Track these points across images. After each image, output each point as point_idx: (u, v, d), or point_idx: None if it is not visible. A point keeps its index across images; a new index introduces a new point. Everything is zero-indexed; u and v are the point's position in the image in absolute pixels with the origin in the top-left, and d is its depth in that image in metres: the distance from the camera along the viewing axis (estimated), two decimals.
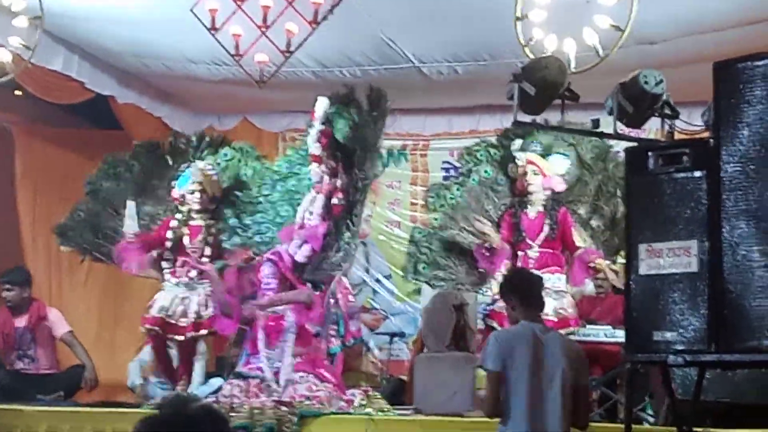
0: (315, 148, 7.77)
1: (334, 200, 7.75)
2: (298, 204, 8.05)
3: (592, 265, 7.68)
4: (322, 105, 7.84)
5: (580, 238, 7.81)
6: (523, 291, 5.51)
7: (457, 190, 8.15)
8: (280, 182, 8.27)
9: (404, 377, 9.60)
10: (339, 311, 7.77)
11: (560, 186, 7.86)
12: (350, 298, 7.99)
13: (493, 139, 8.45)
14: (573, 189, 8.02)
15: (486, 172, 8.12)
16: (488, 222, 7.88)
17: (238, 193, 8.38)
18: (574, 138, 7.97)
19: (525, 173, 7.85)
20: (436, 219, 8.16)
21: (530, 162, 7.86)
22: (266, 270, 7.53)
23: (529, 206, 7.86)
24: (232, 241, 8.22)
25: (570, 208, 7.93)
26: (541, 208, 7.82)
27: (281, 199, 8.21)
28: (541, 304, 5.64)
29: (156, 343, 8.36)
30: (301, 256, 7.68)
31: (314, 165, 7.78)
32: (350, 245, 7.68)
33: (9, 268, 9.50)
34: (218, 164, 8.51)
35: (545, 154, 7.94)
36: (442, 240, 8.07)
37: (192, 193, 8.31)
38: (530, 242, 7.78)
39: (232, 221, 8.27)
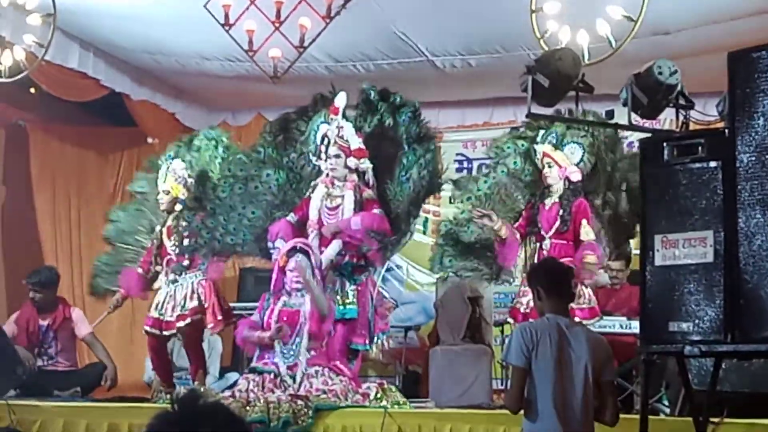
0: (357, 143, 7.79)
1: (366, 195, 7.76)
2: (266, 206, 8.04)
3: (586, 260, 7.62)
4: (342, 100, 7.86)
5: (585, 232, 7.74)
6: (549, 282, 5.40)
7: (485, 182, 8.14)
8: (237, 185, 8.18)
9: (419, 369, 9.62)
10: (371, 305, 7.80)
11: (576, 175, 7.80)
12: (379, 291, 8.02)
13: (522, 130, 8.44)
14: (591, 179, 7.97)
15: (515, 163, 8.11)
16: (491, 213, 7.82)
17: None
18: (589, 128, 7.93)
19: (543, 165, 7.85)
20: (462, 212, 8.15)
21: (545, 154, 7.83)
22: (300, 262, 7.36)
23: (547, 198, 7.85)
24: (199, 242, 8.19)
25: (588, 198, 7.87)
26: (557, 199, 7.79)
27: (244, 202, 8.14)
28: (569, 296, 5.52)
29: (152, 343, 8.44)
30: (331, 252, 7.68)
31: (351, 159, 7.77)
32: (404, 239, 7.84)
33: (37, 268, 9.51)
34: (247, 154, 8.46)
35: (559, 144, 7.92)
36: (468, 232, 8.07)
37: (166, 193, 8.41)
38: (544, 233, 7.76)
39: (195, 224, 8.22)
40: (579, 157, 7.84)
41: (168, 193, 8.41)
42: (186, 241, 8.28)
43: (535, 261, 7.59)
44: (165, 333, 8.35)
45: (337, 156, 7.78)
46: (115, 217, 8.98)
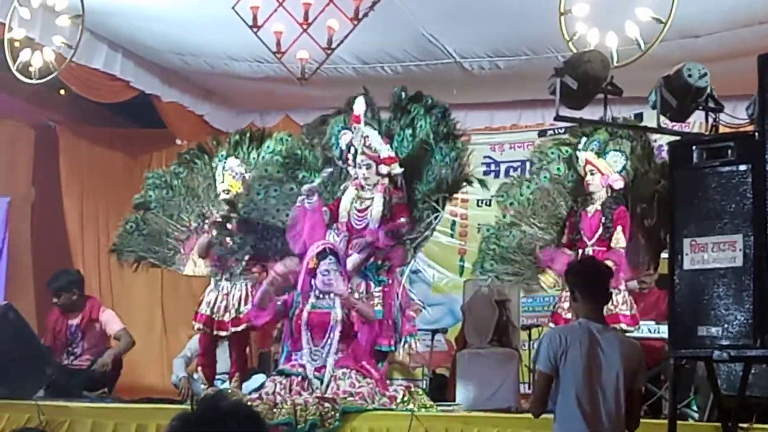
0: (386, 151, 7.80)
1: (395, 199, 7.75)
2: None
3: None
4: (361, 106, 7.85)
5: (616, 239, 7.71)
6: (586, 285, 5.32)
7: (527, 187, 8.13)
8: (273, 187, 8.19)
9: (446, 372, 9.60)
10: (397, 307, 7.78)
11: (618, 183, 7.80)
12: (406, 293, 8.00)
13: (557, 132, 8.43)
14: (634, 187, 7.95)
15: (558, 169, 8.11)
16: None
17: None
18: (634, 135, 7.91)
19: (586, 173, 7.84)
20: (504, 216, 8.16)
21: (588, 162, 7.84)
22: (330, 265, 7.36)
23: (590, 205, 7.85)
24: (232, 247, 8.20)
25: (629, 206, 7.86)
26: (599, 207, 7.79)
27: (278, 205, 8.14)
28: (604, 299, 5.46)
29: (205, 340, 8.44)
30: (357, 256, 7.67)
31: (382, 167, 7.76)
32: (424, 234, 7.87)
33: (55, 273, 9.54)
34: (262, 158, 8.47)
35: (601, 152, 7.91)
36: (511, 237, 8.07)
37: (226, 192, 8.40)
38: (587, 240, 7.75)
39: (228, 226, 8.24)
40: (621, 165, 7.83)
41: (228, 192, 8.42)
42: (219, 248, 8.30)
43: None
44: (216, 333, 8.32)
45: (368, 166, 7.78)
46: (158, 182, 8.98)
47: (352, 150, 7.85)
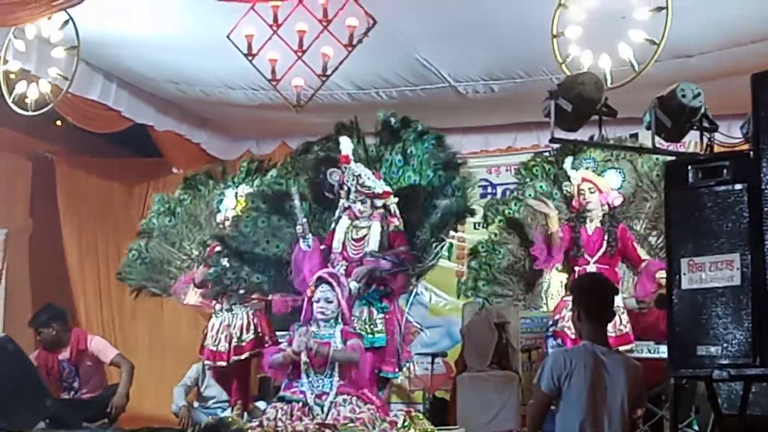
0: (380, 186, 7.79)
1: (393, 227, 7.74)
2: (290, 238, 7.92)
3: (658, 276, 7.64)
4: (348, 145, 7.84)
5: (642, 252, 7.79)
6: (592, 305, 5.28)
7: (515, 204, 8.15)
8: (260, 219, 8.12)
9: (446, 395, 9.58)
10: (398, 333, 7.77)
11: (617, 201, 7.87)
12: (406, 319, 7.98)
13: (550, 155, 8.44)
14: (630, 205, 7.99)
15: (541, 186, 8.13)
16: (550, 203, 7.82)
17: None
18: (631, 154, 7.94)
19: (581, 191, 7.84)
20: (495, 234, 8.14)
21: (585, 179, 7.86)
22: (325, 293, 7.35)
23: (588, 222, 7.85)
24: (225, 283, 8.13)
25: (627, 224, 7.89)
26: (599, 224, 7.81)
27: (267, 236, 8.07)
28: (608, 318, 5.44)
29: (216, 375, 8.45)
30: (353, 285, 7.66)
31: (377, 201, 7.77)
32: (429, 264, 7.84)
33: (37, 310, 9.51)
34: (268, 185, 8.45)
35: (600, 170, 7.95)
36: (499, 255, 8.06)
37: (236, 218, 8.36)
38: (588, 258, 7.75)
39: (221, 266, 8.16)
40: (619, 182, 7.88)
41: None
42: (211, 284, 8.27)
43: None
44: (218, 364, 8.32)
45: (363, 202, 7.77)
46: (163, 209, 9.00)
47: (345, 188, 7.84)
